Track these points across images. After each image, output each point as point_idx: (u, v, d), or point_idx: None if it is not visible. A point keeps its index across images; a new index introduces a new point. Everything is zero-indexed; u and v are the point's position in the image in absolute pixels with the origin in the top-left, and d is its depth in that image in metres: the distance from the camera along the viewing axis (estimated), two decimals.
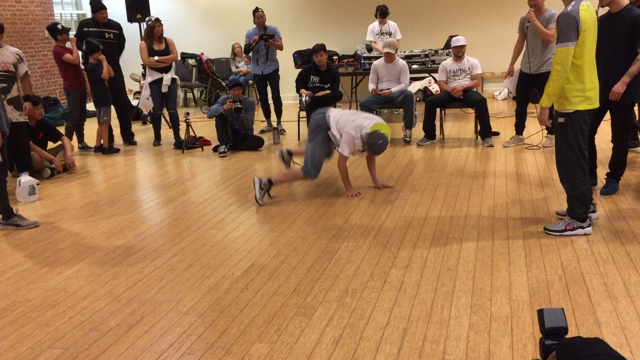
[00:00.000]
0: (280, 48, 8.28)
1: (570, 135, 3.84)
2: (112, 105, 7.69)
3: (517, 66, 6.79)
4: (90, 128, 8.30)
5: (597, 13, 4.13)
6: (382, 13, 9.07)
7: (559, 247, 3.79)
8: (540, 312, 1.51)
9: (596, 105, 3.85)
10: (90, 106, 8.39)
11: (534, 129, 6.98)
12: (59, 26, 7.44)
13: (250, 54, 8.58)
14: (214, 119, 7.17)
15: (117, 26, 7.96)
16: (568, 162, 3.90)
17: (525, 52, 6.51)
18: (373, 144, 4.94)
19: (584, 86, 3.75)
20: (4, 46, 5.65)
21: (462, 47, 7.07)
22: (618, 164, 4.80)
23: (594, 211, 4.17)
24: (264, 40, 8.07)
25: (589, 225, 3.98)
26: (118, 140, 8.17)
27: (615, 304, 3.01)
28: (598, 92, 3.87)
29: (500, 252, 3.76)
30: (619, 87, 4.46)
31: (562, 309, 1.51)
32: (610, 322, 2.84)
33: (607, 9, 4.55)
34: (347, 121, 5.07)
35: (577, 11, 3.63)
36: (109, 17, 7.85)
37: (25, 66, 5.82)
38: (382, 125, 4.98)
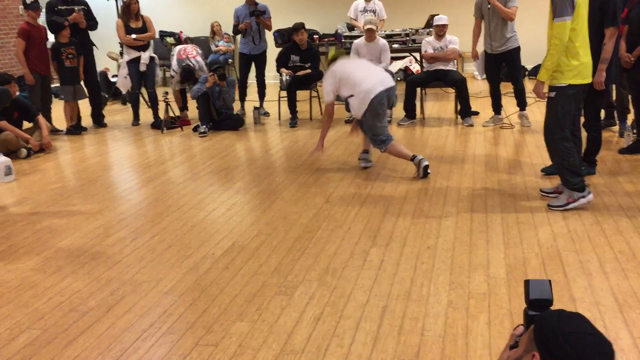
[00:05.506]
0: (269, 28, 8.03)
1: (559, 110, 3.87)
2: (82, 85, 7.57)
3: (481, 48, 6.81)
4: (57, 110, 8.02)
5: None
6: None
7: (537, 225, 3.84)
8: (527, 283, 1.48)
9: (589, 80, 3.89)
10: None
11: (513, 109, 7.03)
12: (28, 0, 7.10)
13: (238, 36, 8.30)
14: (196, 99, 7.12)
15: (84, 2, 7.69)
16: (554, 137, 3.94)
17: (487, 34, 6.55)
18: None
19: (577, 61, 3.80)
20: None
21: (444, 26, 7.06)
22: (592, 148, 4.79)
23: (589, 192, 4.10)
24: (255, 17, 7.83)
25: (589, 193, 3.99)
26: (87, 120, 7.95)
27: (590, 280, 3.08)
28: (591, 68, 3.90)
29: (478, 230, 3.81)
30: (600, 77, 4.37)
31: (549, 280, 1.50)
32: (584, 298, 2.90)
33: None
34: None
35: None
36: None
37: None
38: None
